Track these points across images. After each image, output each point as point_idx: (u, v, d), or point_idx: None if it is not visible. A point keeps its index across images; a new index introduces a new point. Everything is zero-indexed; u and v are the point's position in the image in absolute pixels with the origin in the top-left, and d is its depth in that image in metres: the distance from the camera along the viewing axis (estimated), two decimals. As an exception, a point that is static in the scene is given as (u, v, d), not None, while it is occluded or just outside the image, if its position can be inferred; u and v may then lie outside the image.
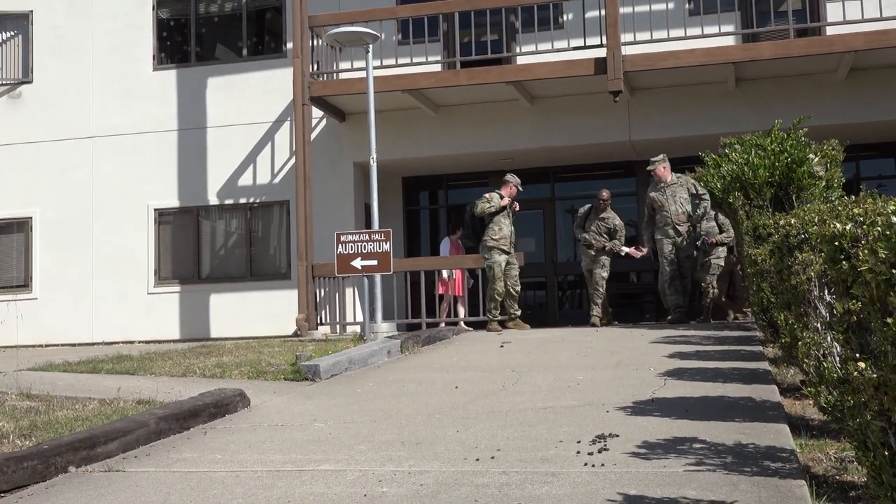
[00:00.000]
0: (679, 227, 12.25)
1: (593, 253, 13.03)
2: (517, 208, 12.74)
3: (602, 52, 12.88)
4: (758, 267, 7.91)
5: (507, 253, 12.45)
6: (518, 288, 12.53)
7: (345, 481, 4.33)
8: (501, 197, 12.55)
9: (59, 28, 16.29)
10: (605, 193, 13.05)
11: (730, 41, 13.59)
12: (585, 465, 4.35)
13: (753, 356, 8.07)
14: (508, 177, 12.72)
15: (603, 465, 4.33)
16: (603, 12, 13.06)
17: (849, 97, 13.53)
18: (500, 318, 12.45)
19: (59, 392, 7.38)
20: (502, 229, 12.45)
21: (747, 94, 13.84)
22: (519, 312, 12.62)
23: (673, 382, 6.73)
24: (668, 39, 12.89)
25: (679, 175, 12.38)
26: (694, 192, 12.11)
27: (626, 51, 12.91)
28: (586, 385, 6.84)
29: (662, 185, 12.34)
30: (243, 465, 4.78)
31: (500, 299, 12.39)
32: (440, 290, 14.18)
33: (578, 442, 4.83)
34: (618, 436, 4.92)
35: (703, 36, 12.80)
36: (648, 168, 12.51)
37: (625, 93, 13.25)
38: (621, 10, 13.06)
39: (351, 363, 8.60)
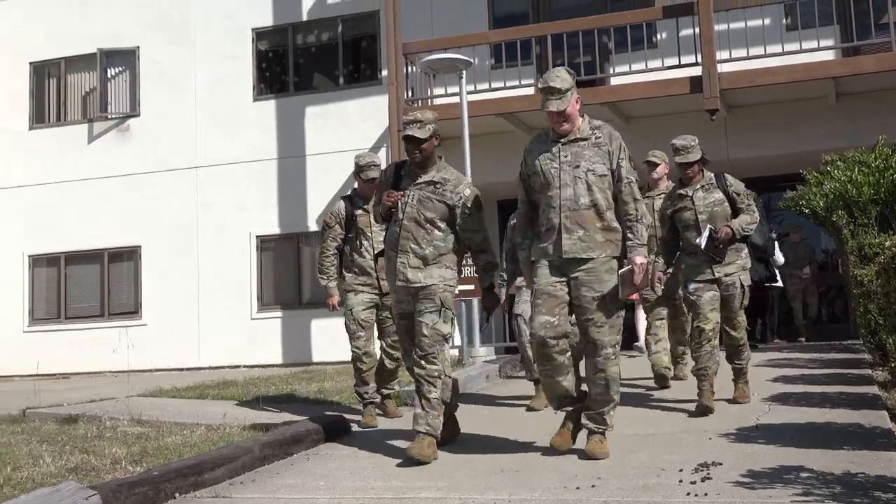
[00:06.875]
0: (573, 233, 5.40)
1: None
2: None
3: (697, 71, 12.72)
4: (864, 288, 7.71)
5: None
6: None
7: (446, 509, 4.36)
8: None
9: (163, 63, 16.89)
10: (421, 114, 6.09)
11: (829, 55, 13.27)
12: (688, 494, 4.29)
13: (861, 380, 7.85)
14: None
15: (706, 494, 4.27)
16: (697, 30, 12.91)
17: (957, 109, 13.08)
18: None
19: (168, 418, 7.62)
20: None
21: (849, 109, 13.49)
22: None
23: (777, 408, 6.60)
24: (765, 56, 12.64)
25: (601, 123, 5.64)
26: (612, 165, 5.45)
27: (722, 68, 12.74)
28: (687, 410, 6.74)
29: (562, 140, 5.54)
30: (345, 493, 4.85)
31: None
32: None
33: (681, 470, 4.77)
34: (721, 464, 4.84)
35: (801, 51, 12.54)
36: (549, 109, 5.44)
37: (721, 111, 13.04)
38: (716, 27, 12.90)
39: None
